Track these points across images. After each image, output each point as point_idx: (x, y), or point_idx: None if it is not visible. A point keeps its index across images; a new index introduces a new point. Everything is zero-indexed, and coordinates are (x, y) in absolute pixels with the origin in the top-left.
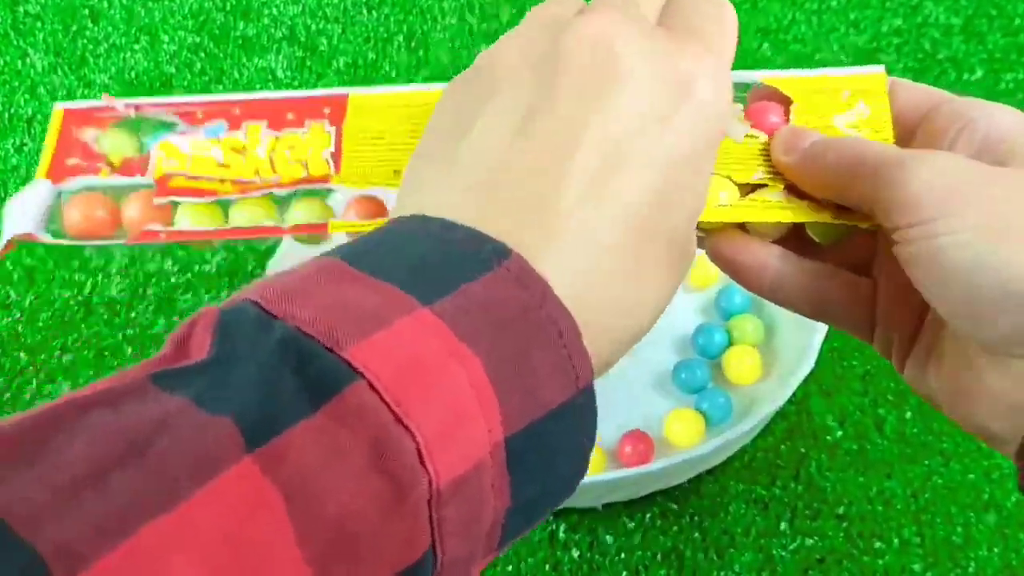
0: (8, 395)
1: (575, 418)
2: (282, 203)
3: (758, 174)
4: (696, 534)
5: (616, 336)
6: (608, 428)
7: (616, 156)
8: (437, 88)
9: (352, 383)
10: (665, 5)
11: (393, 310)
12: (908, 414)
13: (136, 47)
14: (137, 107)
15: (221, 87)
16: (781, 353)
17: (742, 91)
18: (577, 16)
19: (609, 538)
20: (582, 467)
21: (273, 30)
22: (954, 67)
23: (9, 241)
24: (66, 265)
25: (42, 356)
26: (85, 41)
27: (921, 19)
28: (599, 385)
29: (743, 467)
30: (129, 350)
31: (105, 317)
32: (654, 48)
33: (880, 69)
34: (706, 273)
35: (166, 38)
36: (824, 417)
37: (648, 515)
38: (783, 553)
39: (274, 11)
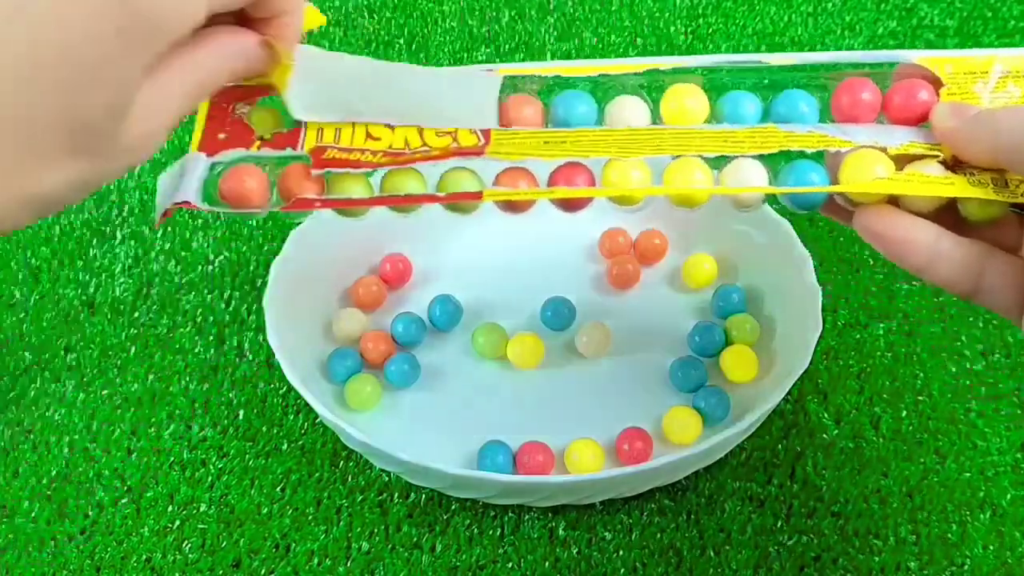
0: (13, 394)
1: None
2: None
3: (912, 147)
4: (693, 532)
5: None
6: (607, 426)
7: None
8: (584, 64)
9: None
10: None
11: None
12: (903, 412)
13: None
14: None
15: None
16: (777, 352)
17: (889, 68)
18: None
19: (607, 535)
20: None
21: None
22: None
23: (168, 210)
24: (70, 265)
25: (47, 355)
26: None
27: (916, 21)
28: (598, 384)
29: (740, 465)
30: (133, 349)
31: (109, 317)
32: None
33: None
34: (702, 273)
35: None
36: (820, 416)
37: (646, 512)
38: (779, 551)
39: None
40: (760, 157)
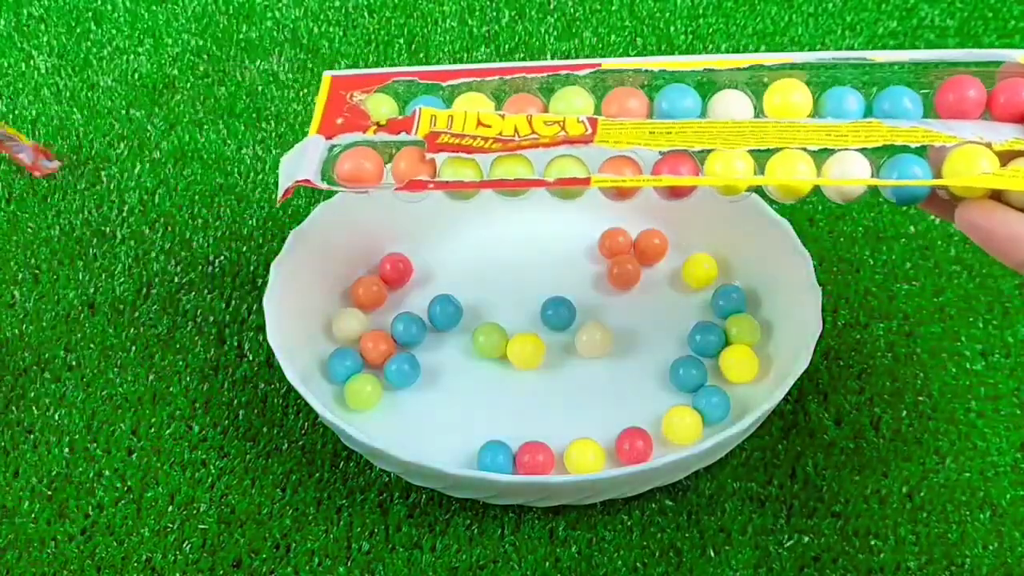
0: (14, 394)
1: None
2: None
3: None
4: (694, 531)
5: None
6: (607, 426)
7: None
8: (688, 60)
9: None
10: None
11: None
12: (903, 412)
13: (140, 50)
14: (401, 75)
15: (223, 89)
16: (777, 352)
17: (994, 66)
18: None
19: (608, 535)
20: None
21: (275, 33)
22: None
23: (289, 188)
24: (70, 265)
25: (46, 355)
26: (89, 44)
27: (916, 21)
28: (598, 384)
29: (740, 465)
30: (133, 349)
31: (109, 316)
32: None
33: None
34: (702, 273)
35: (169, 41)
36: (820, 416)
37: (646, 512)
38: (780, 551)
39: (276, 14)
40: (863, 151)
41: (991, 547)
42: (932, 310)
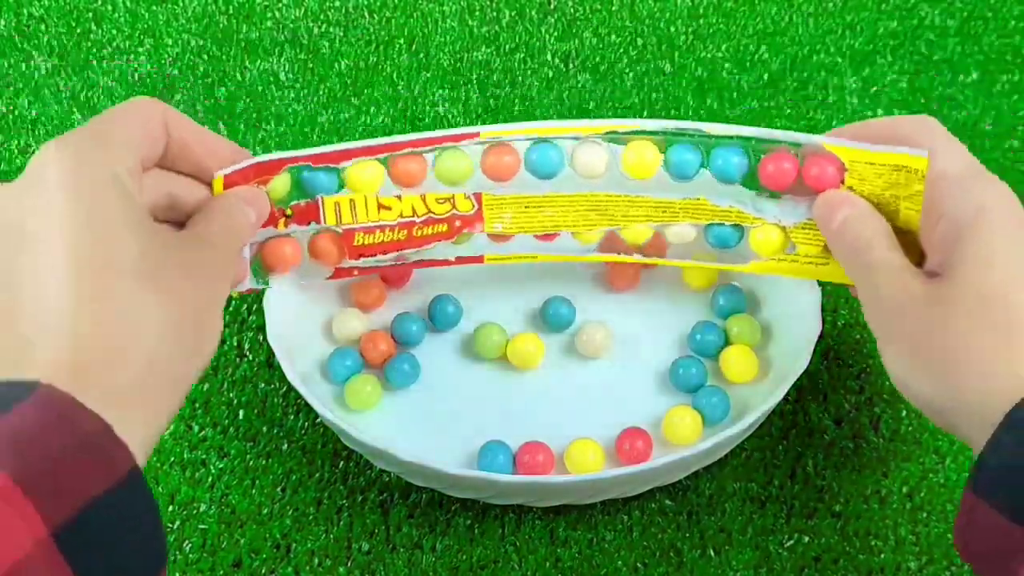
0: None
1: (123, 500)
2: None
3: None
4: (694, 532)
5: (158, 409)
6: (607, 425)
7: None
8: (553, 126)
9: None
10: None
11: None
12: (903, 412)
13: (140, 50)
14: (292, 161)
15: (223, 89)
16: (777, 352)
17: (796, 146)
18: None
19: (608, 535)
20: (153, 537)
21: (276, 33)
22: (950, 69)
23: (241, 291)
24: None
25: None
26: (89, 44)
27: (916, 21)
28: (598, 384)
29: (740, 465)
30: None
31: None
32: None
33: (924, 153)
34: (702, 273)
35: (169, 41)
36: (820, 416)
37: (646, 512)
38: (780, 551)
39: (276, 14)
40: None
41: None
42: None
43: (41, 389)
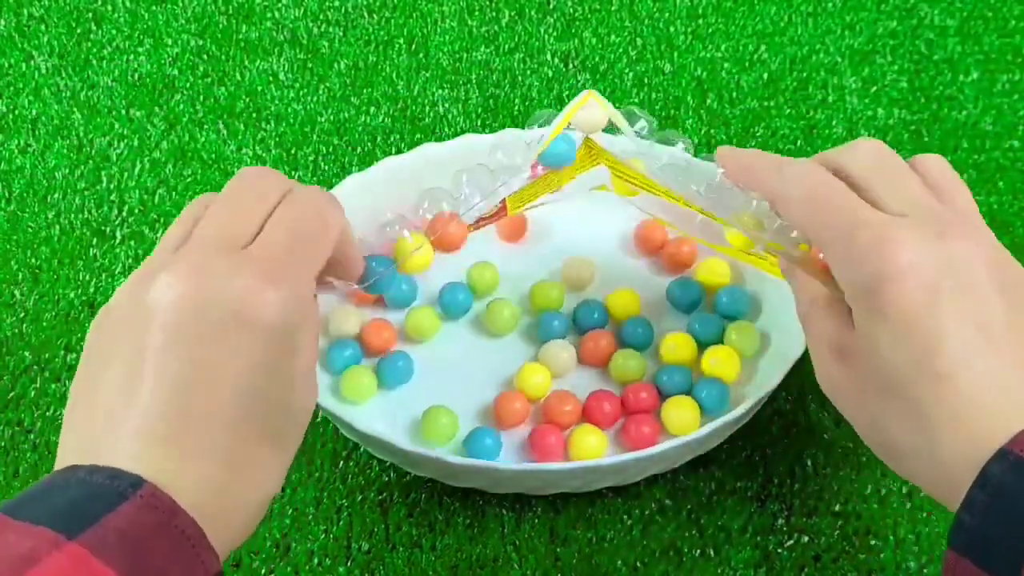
0: (13, 394)
1: None
2: None
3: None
4: (694, 531)
5: (246, 514)
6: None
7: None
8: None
9: None
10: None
11: (45, 548)
12: None
13: (140, 50)
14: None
15: (223, 89)
16: (773, 337)
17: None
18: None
19: (608, 534)
20: None
21: (275, 33)
22: (950, 68)
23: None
24: (70, 265)
25: (46, 355)
26: (89, 44)
27: (916, 21)
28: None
29: (740, 464)
30: None
31: None
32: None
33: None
34: (717, 277)
35: (169, 41)
36: (820, 415)
37: (646, 512)
38: (780, 550)
39: (276, 14)
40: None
41: None
42: None
43: (147, 488)
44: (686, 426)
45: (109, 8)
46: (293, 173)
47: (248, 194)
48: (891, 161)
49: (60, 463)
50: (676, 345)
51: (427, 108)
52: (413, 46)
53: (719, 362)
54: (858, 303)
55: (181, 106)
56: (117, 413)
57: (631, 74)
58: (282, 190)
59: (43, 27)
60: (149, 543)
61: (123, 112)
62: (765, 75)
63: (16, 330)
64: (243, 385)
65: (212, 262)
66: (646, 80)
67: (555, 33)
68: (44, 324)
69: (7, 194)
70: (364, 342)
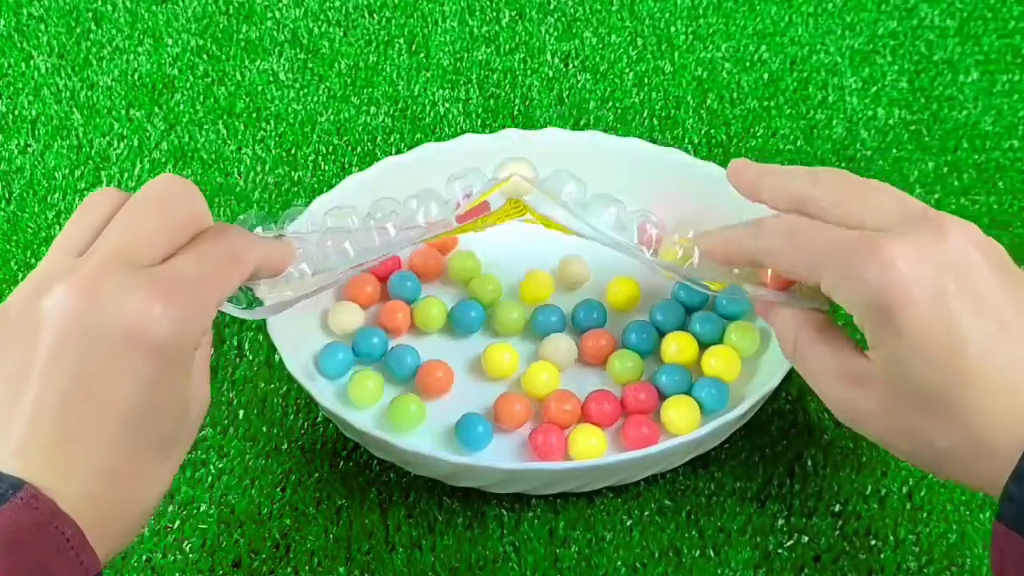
0: None
1: None
2: None
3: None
4: (693, 532)
5: (129, 520)
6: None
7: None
8: None
9: None
10: None
11: None
12: None
13: (139, 50)
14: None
15: (223, 89)
16: (773, 337)
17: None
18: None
19: (608, 535)
20: None
21: (275, 33)
22: (950, 69)
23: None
24: None
25: None
26: (89, 43)
27: (916, 21)
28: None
29: (739, 465)
30: None
31: None
32: None
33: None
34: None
35: (169, 41)
36: (820, 415)
37: (646, 512)
38: (779, 551)
39: (276, 14)
40: None
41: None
42: None
43: (26, 490)
44: (686, 426)
45: (109, 8)
46: (293, 173)
47: (163, 210)
48: (855, 181)
49: None
50: (676, 345)
51: (427, 108)
52: (414, 46)
53: (719, 362)
54: (868, 324)
55: (181, 106)
56: (2, 419)
57: (631, 74)
58: (199, 216)
59: (43, 27)
60: (29, 543)
61: (123, 112)
62: (765, 75)
63: None
64: (130, 402)
65: (110, 277)
66: (646, 80)
67: (555, 33)
68: None
69: (7, 194)
70: (383, 323)
